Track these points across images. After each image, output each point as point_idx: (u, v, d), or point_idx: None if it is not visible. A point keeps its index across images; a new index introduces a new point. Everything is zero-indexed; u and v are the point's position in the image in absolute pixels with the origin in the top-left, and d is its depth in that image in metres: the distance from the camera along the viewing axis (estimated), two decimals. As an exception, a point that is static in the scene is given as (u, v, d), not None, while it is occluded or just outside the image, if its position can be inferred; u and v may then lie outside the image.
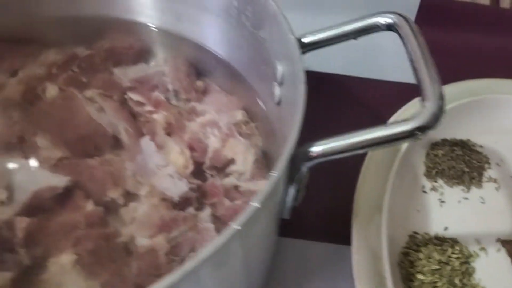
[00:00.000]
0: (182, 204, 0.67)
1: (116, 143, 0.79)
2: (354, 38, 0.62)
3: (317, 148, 0.54)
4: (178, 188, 0.67)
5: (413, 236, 0.80)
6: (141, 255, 0.62)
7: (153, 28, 0.93)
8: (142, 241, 0.62)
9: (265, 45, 0.70)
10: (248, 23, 0.76)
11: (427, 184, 0.88)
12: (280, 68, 0.66)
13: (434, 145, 0.93)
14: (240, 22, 0.78)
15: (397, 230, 0.79)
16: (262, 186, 0.71)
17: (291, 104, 0.64)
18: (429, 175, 0.89)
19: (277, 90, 0.70)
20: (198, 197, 0.69)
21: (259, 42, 0.74)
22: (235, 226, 0.44)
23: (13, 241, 0.62)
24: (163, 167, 0.69)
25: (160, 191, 0.67)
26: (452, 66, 1.02)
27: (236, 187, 0.74)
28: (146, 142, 0.72)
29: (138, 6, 0.92)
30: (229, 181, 0.74)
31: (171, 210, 0.66)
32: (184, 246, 0.63)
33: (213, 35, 0.88)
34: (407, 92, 0.85)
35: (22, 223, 0.63)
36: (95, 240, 0.64)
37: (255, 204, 0.46)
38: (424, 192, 0.87)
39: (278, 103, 0.70)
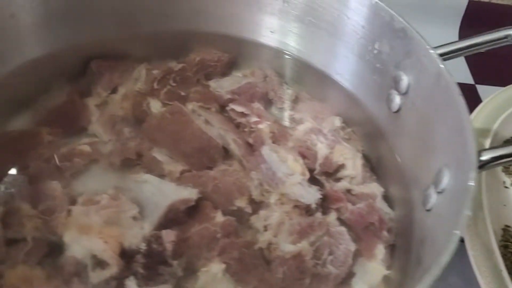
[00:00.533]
0: (311, 210, 0.71)
1: (226, 154, 0.83)
2: (482, 50, 0.67)
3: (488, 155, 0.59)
4: (311, 195, 0.71)
5: (506, 230, 0.85)
6: (286, 261, 0.66)
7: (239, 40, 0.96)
8: (287, 247, 0.66)
9: (381, 57, 0.75)
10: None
11: (507, 180, 0.94)
12: (405, 79, 0.71)
13: (506, 142, 0.98)
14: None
15: (493, 225, 0.84)
16: (375, 189, 0.77)
17: (418, 112, 0.69)
18: (506, 171, 0.95)
19: (397, 99, 0.74)
20: (321, 203, 0.74)
21: (373, 54, 0.79)
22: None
23: (164, 254, 0.66)
24: (290, 176, 0.73)
25: (293, 199, 0.71)
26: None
27: (349, 191, 0.79)
28: (267, 152, 0.76)
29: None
30: (342, 185, 0.78)
31: (305, 216, 0.71)
32: (323, 250, 0.67)
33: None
34: None
35: (170, 237, 0.67)
36: (239, 249, 0.68)
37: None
38: (506, 187, 0.93)
39: (397, 111, 0.75)
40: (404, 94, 0.72)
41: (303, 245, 0.66)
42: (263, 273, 0.67)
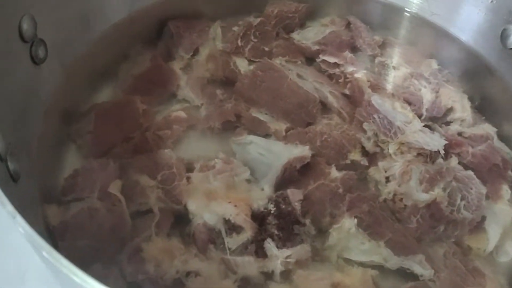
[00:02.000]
0: (434, 157, 0.69)
1: (323, 108, 0.80)
2: None
3: None
4: (436, 141, 0.68)
5: None
6: (419, 209, 0.64)
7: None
8: (421, 196, 0.64)
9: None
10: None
11: None
12: None
13: None
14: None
15: None
16: (488, 129, 0.74)
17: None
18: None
19: None
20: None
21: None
22: None
23: (294, 213, 0.64)
24: (408, 123, 0.70)
25: (416, 147, 0.68)
26: None
27: (460, 134, 0.76)
28: (378, 102, 0.72)
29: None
30: (454, 129, 0.75)
31: (428, 164, 0.68)
32: (455, 196, 0.65)
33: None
34: None
35: (297, 196, 0.64)
36: (367, 202, 0.66)
37: None
38: None
39: None
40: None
41: (437, 192, 0.64)
42: (394, 225, 0.66)
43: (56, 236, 0.59)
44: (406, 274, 0.62)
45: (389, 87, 0.79)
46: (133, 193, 0.64)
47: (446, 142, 0.68)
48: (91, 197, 0.62)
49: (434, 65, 0.81)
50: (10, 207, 0.40)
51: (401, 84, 0.79)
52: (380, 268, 0.62)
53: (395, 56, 0.84)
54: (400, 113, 0.71)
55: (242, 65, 0.82)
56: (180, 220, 0.64)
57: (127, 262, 0.58)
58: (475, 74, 0.79)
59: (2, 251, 0.66)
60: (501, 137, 0.74)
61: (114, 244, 0.59)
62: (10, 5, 0.58)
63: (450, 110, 0.76)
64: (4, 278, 0.65)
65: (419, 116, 0.75)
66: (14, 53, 0.60)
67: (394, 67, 0.82)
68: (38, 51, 0.63)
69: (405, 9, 0.86)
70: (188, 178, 0.66)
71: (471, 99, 0.79)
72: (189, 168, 0.67)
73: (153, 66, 0.80)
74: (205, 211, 0.62)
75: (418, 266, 0.61)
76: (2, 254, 0.66)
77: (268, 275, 0.60)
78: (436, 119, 0.76)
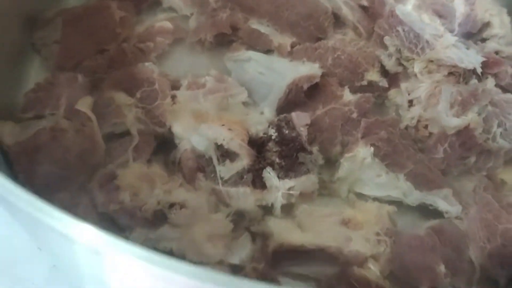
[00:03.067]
0: (467, 76, 0.58)
1: (337, 21, 0.68)
2: None
3: None
4: (472, 57, 0.57)
5: None
6: (448, 137, 0.54)
7: None
8: (452, 121, 0.54)
9: None
10: None
11: None
12: None
13: None
14: None
15: None
16: (529, 48, 0.63)
17: None
18: None
19: None
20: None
21: None
22: None
23: (299, 139, 0.54)
24: (439, 37, 0.58)
25: (448, 64, 0.57)
26: None
27: (497, 52, 0.64)
28: (404, 12, 0.60)
29: None
30: (491, 46, 0.64)
31: (460, 85, 0.57)
32: (492, 122, 0.55)
33: None
34: None
35: (303, 119, 0.54)
36: (386, 128, 0.56)
37: None
38: None
39: None
40: None
41: (471, 117, 0.54)
42: (416, 155, 0.56)
43: (12, 159, 0.49)
44: (428, 211, 0.54)
45: (412, -3, 0.67)
46: (107, 112, 0.54)
47: (484, 59, 0.57)
48: (55, 115, 0.52)
49: (469, -27, 0.69)
50: None
51: (429, -6, 0.66)
52: (398, 204, 0.54)
53: (421, -37, 0.71)
54: (429, 25, 0.59)
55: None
56: (163, 146, 0.55)
57: (98, 190, 0.49)
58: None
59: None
60: (544, 59, 0.63)
61: (83, 170, 0.50)
62: None
63: (486, 25, 0.64)
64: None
65: (451, 31, 0.63)
66: None
67: (420, -25, 0.69)
68: None
69: None
70: (173, 97, 0.56)
71: (509, 14, 0.67)
72: (175, 86, 0.57)
73: (134, -33, 0.67)
74: (194, 135, 0.52)
75: (443, 201, 0.52)
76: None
77: (267, 209, 0.51)
78: (470, 35, 0.65)
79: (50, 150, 0.50)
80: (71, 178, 0.50)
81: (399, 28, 0.60)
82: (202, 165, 0.52)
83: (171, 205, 0.48)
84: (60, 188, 0.49)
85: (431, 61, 0.58)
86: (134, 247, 0.30)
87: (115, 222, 0.49)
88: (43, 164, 0.49)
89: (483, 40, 0.65)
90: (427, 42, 0.58)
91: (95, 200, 0.48)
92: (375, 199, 0.54)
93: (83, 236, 0.31)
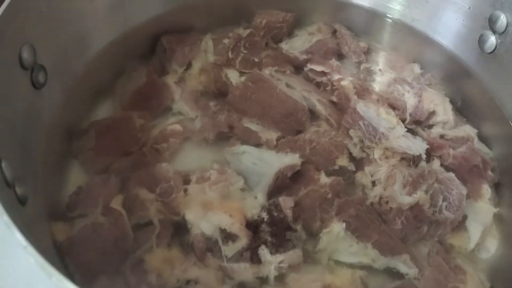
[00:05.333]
0: (416, 160, 0.72)
1: (312, 116, 0.83)
2: None
3: None
4: (418, 145, 0.72)
5: None
6: (403, 212, 0.68)
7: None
8: (404, 199, 0.68)
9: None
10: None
11: None
12: (503, 18, 0.69)
13: None
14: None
15: None
16: (469, 131, 0.78)
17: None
18: None
19: (491, 39, 0.73)
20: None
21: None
22: None
23: (286, 220, 0.67)
24: (392, 129, 0.73)
25: (400, 151, 0.72)
26: None
27: (442, 136, 0.79)
28: (363, 109, 0.76)
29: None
30: (436, 131, 0.79)
31: (411, 168, 0.72)
32: (437, 197, 0.69)
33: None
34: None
35: (289, 203, 0.68)
36: (354, 206, 0.70)
37: None
38: None
39: (492, 51, 0.74)
40: (501, 33, 0.71)
41: (420, 195, 0.68)
42: (380, 227, 0.69)
43: (63, 252, 0.62)
44: (393, 273, 0.66)
45: (374, 93, 0.82)
46: (134, 207, 0.67)
47: (428, 146, 0.72)
48: (94, 213, 0.66)
49: (417, 69, 0.85)
50: (19, 236, 0.43)
51: (385, 90, 0.82)
52: (368, 268, 0.66)
53: (379, 62, 0.88)
54: (384, 120, 0.75)
55: (233, 76, 0.85)
56: (179, 231, 0.68)
57: (130, 273, 0.61)
58: (456, 77, 0.83)
59: (15, 272, 0.70)
60: (481, 138, 0.78)
61: (117, 256, 0.63)
62: (10, 35, 0.61)
63: (432, 113, 0.79)
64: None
65: (403, 120, 0.79)
66: (15, 80, 0.63)
67: (378, 73, 0.85)
68: (38, 76, 0.66)
69: (387, 15, 0.89)
70: (185, 190, 0.69)
71: (452, 101, 0.83)
72: (186, 180, 0.71)
73: (148, 81, 0.83)
74: (202, 221, 0.66)
75: (403, 265, 0.65)
76: (14, 276, 0.70)
77: (263, 280, 0.64)
78: (419, 123, 0.80)
79: (92, 241, 0.64)
80: (109, 263, 0.63)
81: (361, 123, 0.75)
82: (210, 246, 0.65)
83: (188, 282, 0.61)
84: (101, 272, 0.62)
85: (387, 148, 0.73)
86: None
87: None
88: (87, 253, 0.63)
89: (430, 126, 0.80)
90: (382, 134, 0.73)
91: (128, 281, 0.61)
92: (350, 265, 0.67)
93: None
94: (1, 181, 0.52)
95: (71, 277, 0.56)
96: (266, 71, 0.86)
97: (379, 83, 0.84)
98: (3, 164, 0.53)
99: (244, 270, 0.63)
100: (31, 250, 0.42)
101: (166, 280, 0.60)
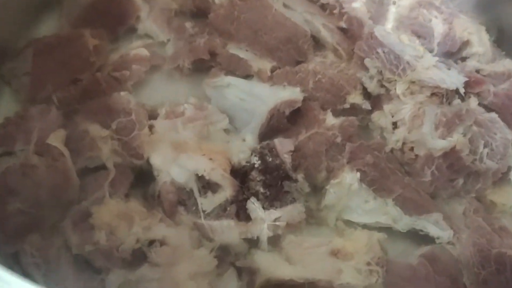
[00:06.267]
0: (451, 97, 0.57)
1: (316, 44, 0.67)
2: None
3: None
4: (454, 77, 0.56)
5: None
6: (435, 159, 0.53)
7: None
8: (437, 143, 0.53)
9: None
10: None
11: None
12: None
13: None
14: None
15: None
16: (510, 66, 0.64)
17: None
18: None
19: None
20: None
21: None
22: None
23: (284, 167, 0.52)
24: (420, 58, 0.58)
25: (431, 85, 0.56)
26: None
27: (478, 71, 0.64)
28: (382, 33, 0.60)
29: None
30: (471, 65, 0.64)
31: (444, 105, 0.57)
32: (477, 143, 0.54)
33: None
34: None
35: (287, 146, 0.52)
36: (372, 152, 0.55)
37: None
38: None
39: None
40: None
41: (457, 138, 0.53)
42: (403, 178, 0.55)
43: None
44: (419, 237, 0.53)
45: (392, 18, 0.67)
46: (81, 146, 0.52)
47: (467, 79, 0.57)
48: (25, 150, 0.50)
49: (443, -8, 0.69)
50: None
51: (407, 15, 0.66)
52: (388, 230, 0.52)
53: (399, -18, 0.72)
54: (409, 46, 0.59)
55: (217, -5, 0.69)
56: (141, 178, 0.53)
57: (72, 230, 0.47)
58: (492, 2, 0.67)
59: None
60: (525, 75, 0.63)
61: (56, 208, 0.48)
62: None
63: (466, 43, 0.64)
64: None
65: (430, 52, 0.63)
66: None
67: (397, -4, 0.69)
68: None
69: None
70: (150, 127, 0.54)
71: (488, 31, 0.68)
72: (152, 116, 0.56)
73: (107, -6, 0.66)
74: (173, 166, 0.51)
75: (434, 226, 0.52)
76: None
77: (253, 242, 0.50)
78: (450, 55, 0.65)
79: (21, 188, 0.48)
80: (43, 218, 0.47)
81: (379, 50, 0.59)
82: (183, 198, 0.51)
83: (151, 243, 0.46)
84: (31, 229, 0.46)
85: (413, 82, 0.57)
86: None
87: (91, 264, 0.46)
88: (13, 204, 0.47)
89: (463, 58, 0.65)
90: (408, 63, 0.58)
91: (69, 241, 0.46)
92: (364, 226, 0.53)
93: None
94: None
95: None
96: (258, -12, 0.69)
97: (398, 7, 0.68)
98: None
99: (228, 229, 0.48)
100: None
101: (120, 240, 0.45)
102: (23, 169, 0.49)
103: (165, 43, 0.66)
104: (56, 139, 0.51)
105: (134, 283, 0.45)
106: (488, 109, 0.60)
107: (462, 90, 0.56)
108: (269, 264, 0.47)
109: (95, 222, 0.46)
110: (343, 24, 0.68)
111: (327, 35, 0.67)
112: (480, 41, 0.65)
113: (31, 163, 0.49)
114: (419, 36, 0.65)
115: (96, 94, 0.58)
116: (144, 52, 0.64)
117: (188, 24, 0.66)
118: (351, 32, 0.67)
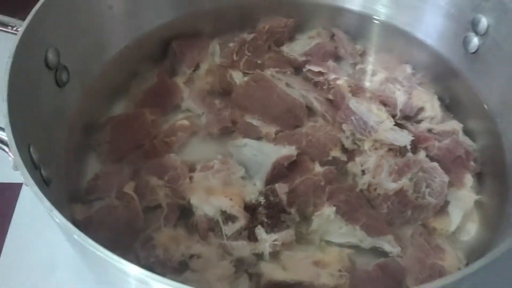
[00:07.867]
0: (403, 151, 0.78)
1: (310, 112, 0.90)
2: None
3: None
4: (404, 137, 0.78)
5: None
6: (389, 197, 0.74)
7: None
8: (390, 185, 0.74)
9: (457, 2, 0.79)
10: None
11: None
12: (484, 20, 0.76)
13: None
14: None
15: None
16: (455, 125, 0.84)
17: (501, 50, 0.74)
18: None
19: (474, 40, 0.80)
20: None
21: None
22: None
23: (281, 204, 0.74)
24: (380, 123, 0.80)
25: (387, 143, 0.78)
26: None
27: (430, 130, 0.85)
28: (355, 105, 0.82)
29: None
30: (424, 126, 0.85)
31: (398, 157, 0.78)
32: (421, 184, 0.75)
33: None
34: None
35: (284, 189, 0.75)
36: (345, 192, 0.76)
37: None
38: None
39: (475, 51, 0.80)
40: (483, 35, 0.78)
41: (404, 182, 0.74)
42: (368, 211, 0.76)
43: (81, 230, 0.70)
44: (378, 252, 0.72)
45: (367, 91, 0.89)
46: (145, 192, 0.75)
47: (413, 138, 0.78)
48: (109, 196, 0.74)
49: (408, 69, 0.91)
50: (47, 203, 0.52)
51: (378, 88, 0.88)
52: (356, 248, 0.72)
53: (374, 63, 0.94)
54: (374, 114, 0.81)
55: (237, 77, 0.93)
56: (184, 213, 0.75)
57: (140, 248, 0.69)
58: (444, 77, 0.88)
59: (37, 244, 0.79)
60: (466, 132, 0.84)
61: (129, 235, 0.70)
62: (37, 39, 0.70)
63: (421, 109, 0.85)
64: (38, 266, 0.77)
65: (394, 116, 0.85)
66: (41, 79, 0.71)
67: (372, 73, 0.92)
68: (62, 75, 0.75)
69: (373, 17, 0.96)
70: (191, 178, 0.76)
71: (441, 99, 0.88)
72: (192, 169, 0.78)
73: (160, 82, 0.91)
74: (205, 205, 0.72)
75: (387, 245, 0.70)
76: (37, 247, 0.79)
77: (259, 256, 0.70)
78: (408, 118, 0.86)
79: (107, 221, 0.72)
80: (122, 241, 0.70)
81: (353, 118, 0.81)
82: (212, 226, 0.72)
83: (191, 256, 0.68)
84: (114, 248, 0.70)
85: (376, 141, 0.79)
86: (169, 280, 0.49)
87: (153, 271, 0.69)
88: (102, 232, 0.71)
89: (419, 121, 0.86)
90: (372, 127, 0.79)
91: (138, 255, 0.69)
92: (339, 245, 0.73)
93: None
94: (29, 162, 0.60)
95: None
96: (268, 72, 0.93)
97: (372, 82, 0.90)
98: (31, 149, 0.62)
99: (242, 247, 0.69)
100: (56, 213, 0.50)
101: (172, 255, 0.67)
102: (109, 208, 0.73)
103: (200, 115, 0.89)
104: (128, 188, 0.74)
105: (181, 283, 0.67)
106: (434, 159, 0.80)
107: (409, 147, 0.77)
108: (270, 270, 0.68)
109: (156, 243, 0.69)
110: (330, 96, 0.90)
111: (318, 105, 0.89)
112: (432, 107, 0.85)
113: (114, 204, 0.73)
114: (386, 105, 0.86)
115: (154, 155, 0.81)
116: (186, 122, 0.87)
117: (217, 101, 0.90)
118: (335, 103, 0.89)
